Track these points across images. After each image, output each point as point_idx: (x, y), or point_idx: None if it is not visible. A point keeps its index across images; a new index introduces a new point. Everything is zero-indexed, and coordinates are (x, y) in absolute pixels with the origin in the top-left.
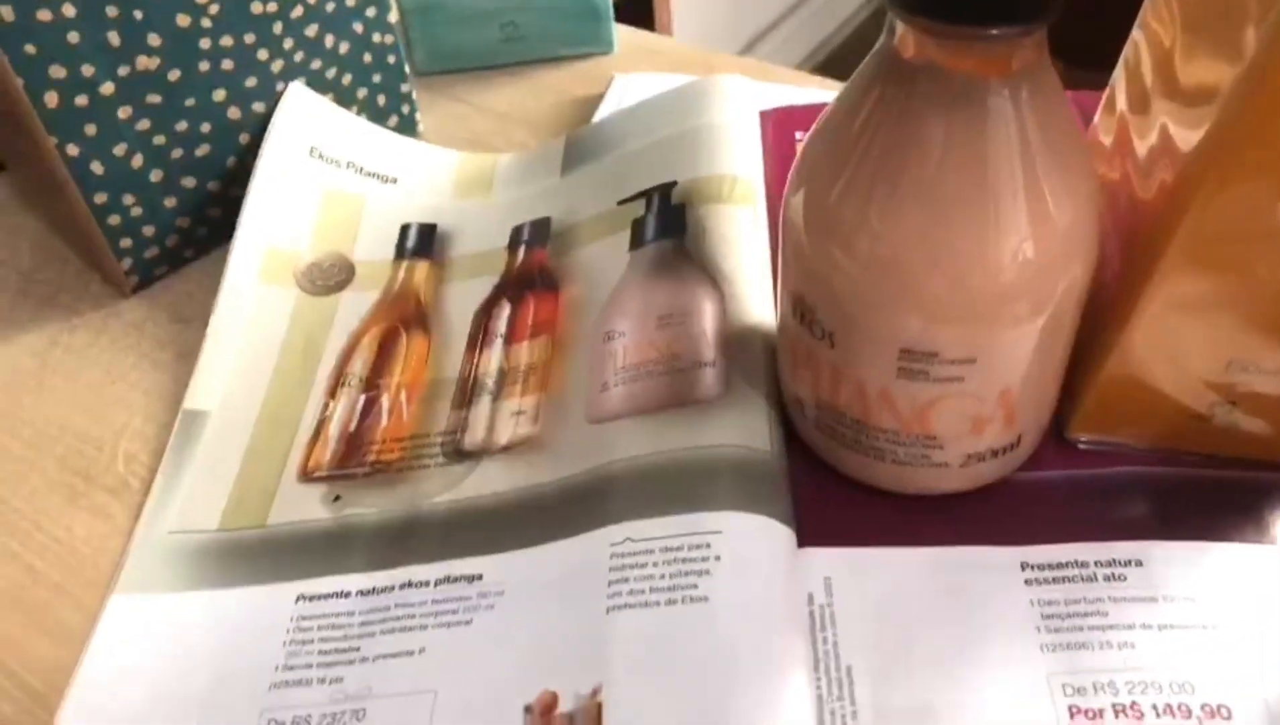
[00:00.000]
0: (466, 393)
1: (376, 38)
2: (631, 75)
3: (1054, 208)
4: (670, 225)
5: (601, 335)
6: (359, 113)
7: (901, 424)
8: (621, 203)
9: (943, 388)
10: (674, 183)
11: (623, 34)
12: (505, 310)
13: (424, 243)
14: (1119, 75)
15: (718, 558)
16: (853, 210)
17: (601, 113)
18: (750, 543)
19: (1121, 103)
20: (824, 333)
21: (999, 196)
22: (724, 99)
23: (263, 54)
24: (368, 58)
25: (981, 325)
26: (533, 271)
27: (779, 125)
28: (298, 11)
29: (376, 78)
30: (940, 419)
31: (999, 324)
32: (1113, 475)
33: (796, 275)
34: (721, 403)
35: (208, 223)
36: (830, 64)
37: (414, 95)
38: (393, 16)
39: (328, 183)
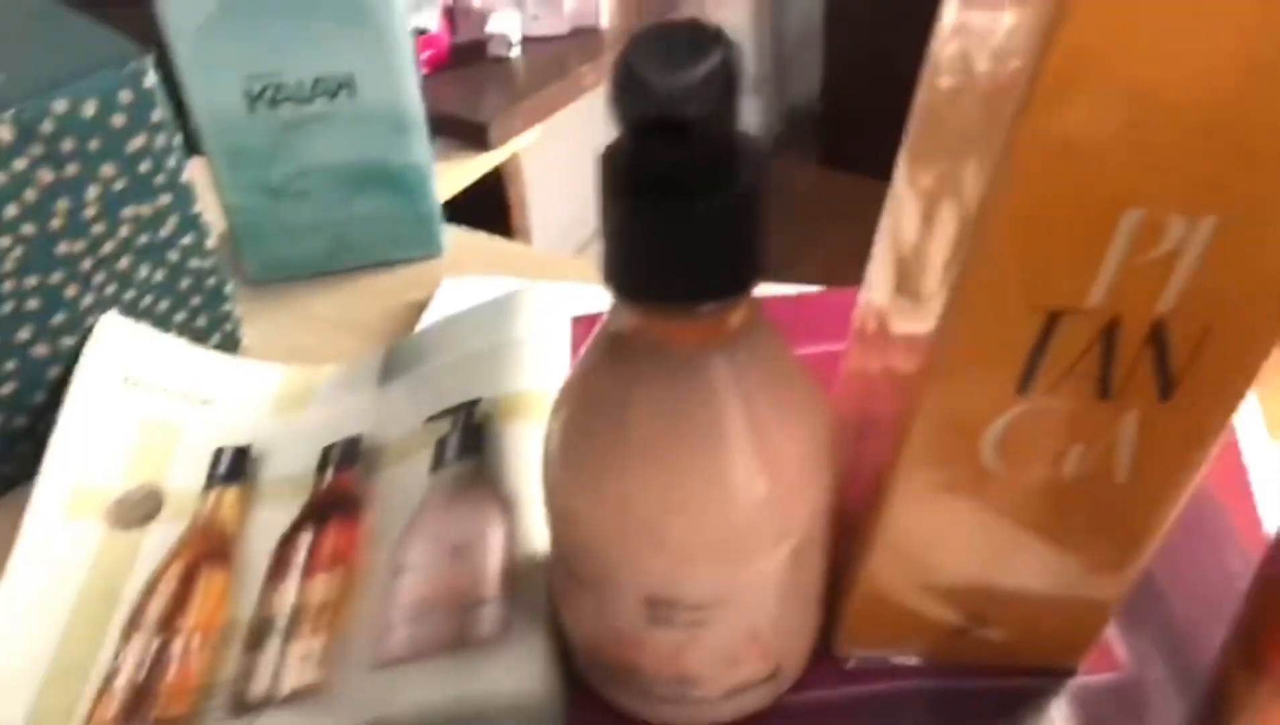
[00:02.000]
0: (258, 634)
1: (194, 263)
2: (461, 278)
3: (781, 452)
4: (470, 446)
5: (393, 568)
6: (178, 336)
7: (657, 666)
8: (429, 420)
9: (690, 632)
10: (478, 400)
11: (457, 235)
12: (306, 540)
13: (235, 468)
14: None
15: None
16: (593, 467)
17: (427, 319)
18: None
19: (876, 288)
20: (578, 579)
21: (725, 451)
22: (532, 311)
23: (71, 290)
24: (185, 283)
25: (719, 570)
26: (337, 496)
27: (590, 332)
28: (108, 248)
29: (195, 301)
30: (693, 660)
31: (736, 568)
32: (879, 692)
33: (551, 518)
34: (502, 644)
35: (15, 459)
36: None
37: (236, 313)
38: (211, 242)
39: (143, 411)
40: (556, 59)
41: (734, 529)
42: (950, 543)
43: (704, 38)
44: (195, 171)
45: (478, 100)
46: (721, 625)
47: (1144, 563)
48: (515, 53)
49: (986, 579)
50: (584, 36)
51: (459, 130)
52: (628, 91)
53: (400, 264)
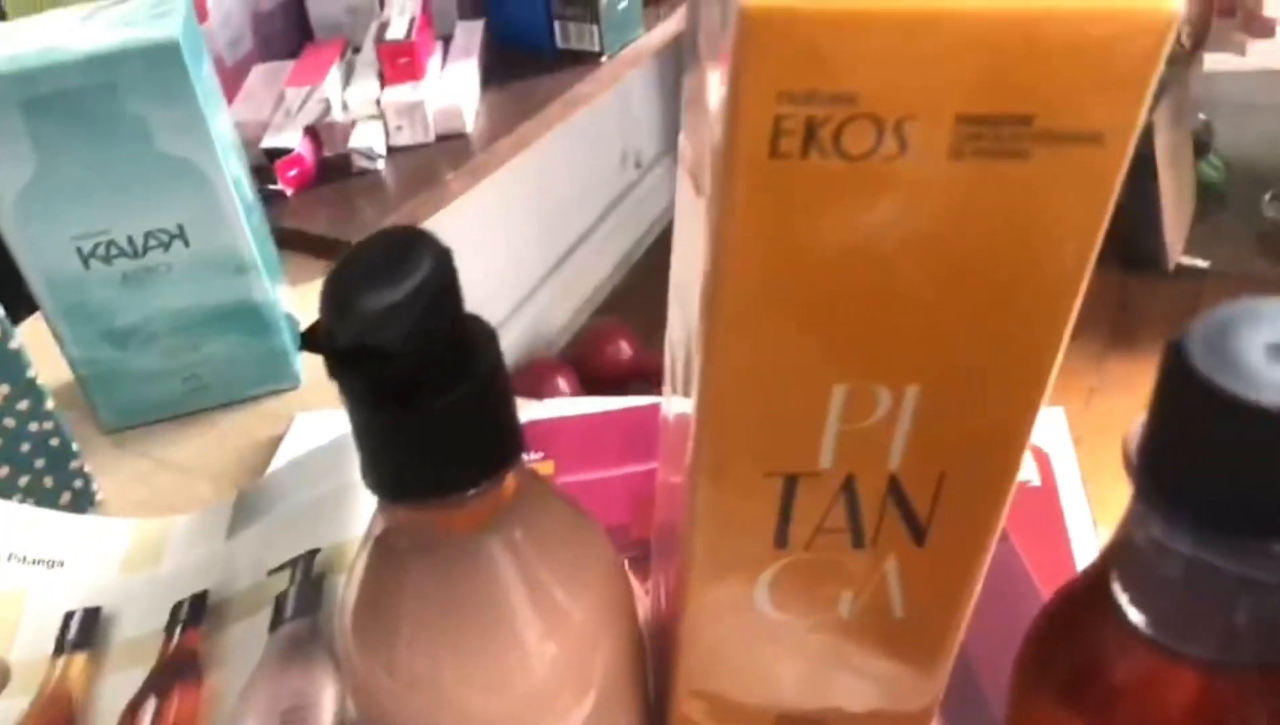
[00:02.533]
0: None
1: (34, 427)
2: (314, 413)
3: (569, 607)
4: (308, 600)
5: None
6: (23, 499)
7: None
8: (271, 573)
9: None
10: (318, 550)
11: (313, 365)
12: (151, 706)
13: (85, 632)
14: None
15: None
16: (385, 646)
17: (279, 459)
18: None
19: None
20: None
21: (507, 620)
22: None
23: None
24: (25, 447)
25: None
26: (183, 659)
27: None
28: None
29: (39, 462)
30: None
31: None
32: None
33: (353, 695)
34: None
35: None
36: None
37: (86, 468)
38: (49, 404)
39: None
40: (423, 168)
41: (531, 695)
42: (748, 681)
43: (414, 248)
44: (38, 328)
45: (347, 216)
46: None
47: (943, 681)
48: (382, 165)
49: (794, 709)
50: (451, 143)
51: (322, 249)
52: (333, 316)
53: (257, 399)
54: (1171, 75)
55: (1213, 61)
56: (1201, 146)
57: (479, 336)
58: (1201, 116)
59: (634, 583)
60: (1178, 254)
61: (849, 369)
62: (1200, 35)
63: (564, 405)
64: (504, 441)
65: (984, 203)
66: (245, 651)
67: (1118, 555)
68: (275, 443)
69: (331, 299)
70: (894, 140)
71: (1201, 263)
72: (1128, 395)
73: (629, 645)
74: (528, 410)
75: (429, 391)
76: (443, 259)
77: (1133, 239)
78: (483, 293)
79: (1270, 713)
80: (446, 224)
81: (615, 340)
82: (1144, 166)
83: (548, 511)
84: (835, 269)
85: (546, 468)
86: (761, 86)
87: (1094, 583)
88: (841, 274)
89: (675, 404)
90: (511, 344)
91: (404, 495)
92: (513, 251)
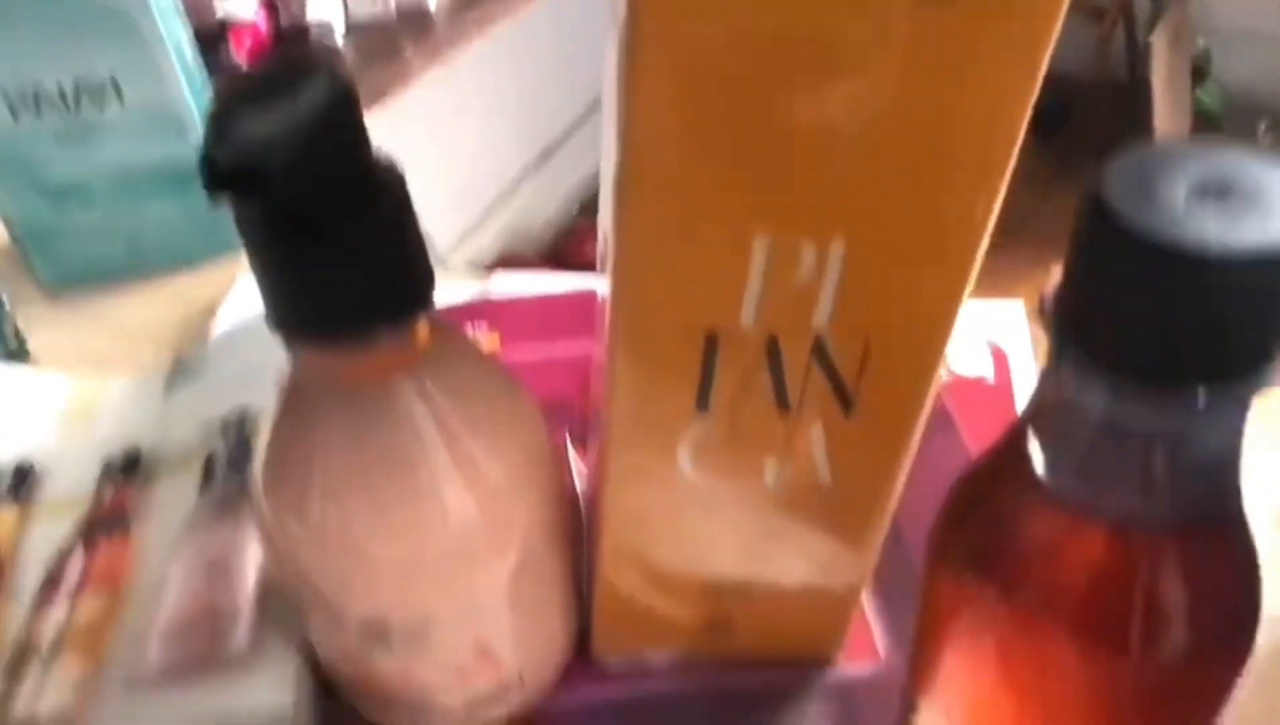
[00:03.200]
0: (21, 659)
1: None
2: None
3: (484, 465)
4: (240, 461)
5: (156, 586)
6: None
7: (390, 681)
8: (206, 433)
9: (410, 649)
10: (251, 413)
11: None
12: (78, 559)
13: (15, 485)
14: None
15: None
16: (297, 498)
17: (220, 322)
18: None
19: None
20: (299, 598)
21: (419, 473)
22: None
23: None
24: None
25: (431, 592)
26: (112, 513)
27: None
28: None
29: None
30: (422, 676)
31: (449, 588)
32: (635, 693)
33: (266, 547)
34: (253, 660)
35: None
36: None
37: (18, 324)
38: None
39: None
40: (383, 44)
41: (444, 551)
42: (674, 546)
43: (311, 76)
44: None
45: None
46: (442, 641)
47: (872, 557)
48: (340, 40)
49: (719, 578)
50: (412, 19)
51: None
52: (212, 136)
53: (202, 263)
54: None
55: None
56: (1199, 73)
57: (386, 176)
58: (1201, 42)
59: (574, 457)
60: None
61: (772, 219)
62: None
63: (514, 281)
64: (413, 282)
65: (909, 49)
66: (174, 507)
67: (1033, 415)
68: (217, 307)
69: (212, 122)
70: None
71: None
72: None
73: (552, 507)
74: (473, 286)
75: (325, 223)
76: (340, 89)
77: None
78: (463, 182)
79: (1181, 571)
80: (421, 106)
81: (595, 240)
82: (1135, 92)
83: (466, 365)
84: (754, 111)
85: (492, 340)
86: None
87: (1009, 446)
88: (759, 119)
89: (603, 283)
90: (492, 239)
91: (305, 335)
92: (495, 140)
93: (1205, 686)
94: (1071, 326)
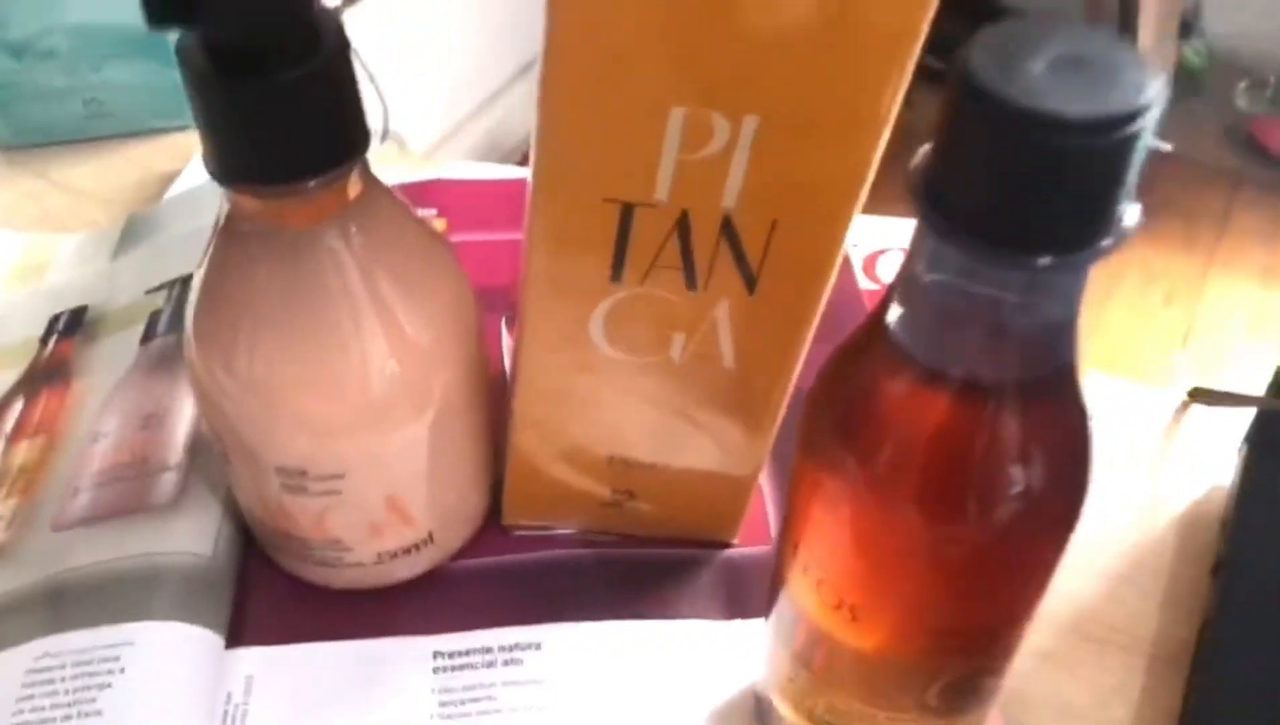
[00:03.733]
0: None
1: None
2: None
3: (407, 323)
4: (180, 320)
5: (91, 435)
6: None
7: (306, 531)
8: (150, 292)
9: (325, 500)
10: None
11: None
12: (18, 407)
13: None
14: None
15: (122, 670)
16: (224, 347)
17: (174, 190)
18: (164, 650)
19: None
20: (222, 449)
21: (343, 325)
22: None
23: None
24: None
25: (347, 442)
26: (54, 365)
27: None
28: None
29: None
30: (336, 526)
31: (365, 440)
32: (537, 559)
33: (195, 392)
34: (177, 508)
35: None
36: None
37: None
38: None
39: None
40: None
41: (365, 404)
42: (582, 418)
43: None
44: None
45: None
46: (356, 493)
47: (769, 442)
48: None
49: (624, 454)
50: None
51: None
52: None
53: (161, 132)
54: None
55: None
56: (1186, 27)
57: (327, 25)
58: None
59: (507, 341)
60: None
61: (687, 91)
62: None
63: (464, 169)
64: (345, 135)
65: None
66: (115, 362)
67: (896, 286)
68: (173, 176)
69: None
70: None
71: (1165, 146)
72: None
73: (472, 371)
74: (427, 170)
75: (265, 64)
76: None
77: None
78: (444, 87)
79: (1017, 430)
80: (412, 12)
81: None
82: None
83: (395, 223)
84: None
85: (439, 224)
86: None
87: (875, 317)
88: None
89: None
90: (470, 148)
91: (240, 177)
92: (481, 47)
93: (1041, 539)
94: (932, 194)
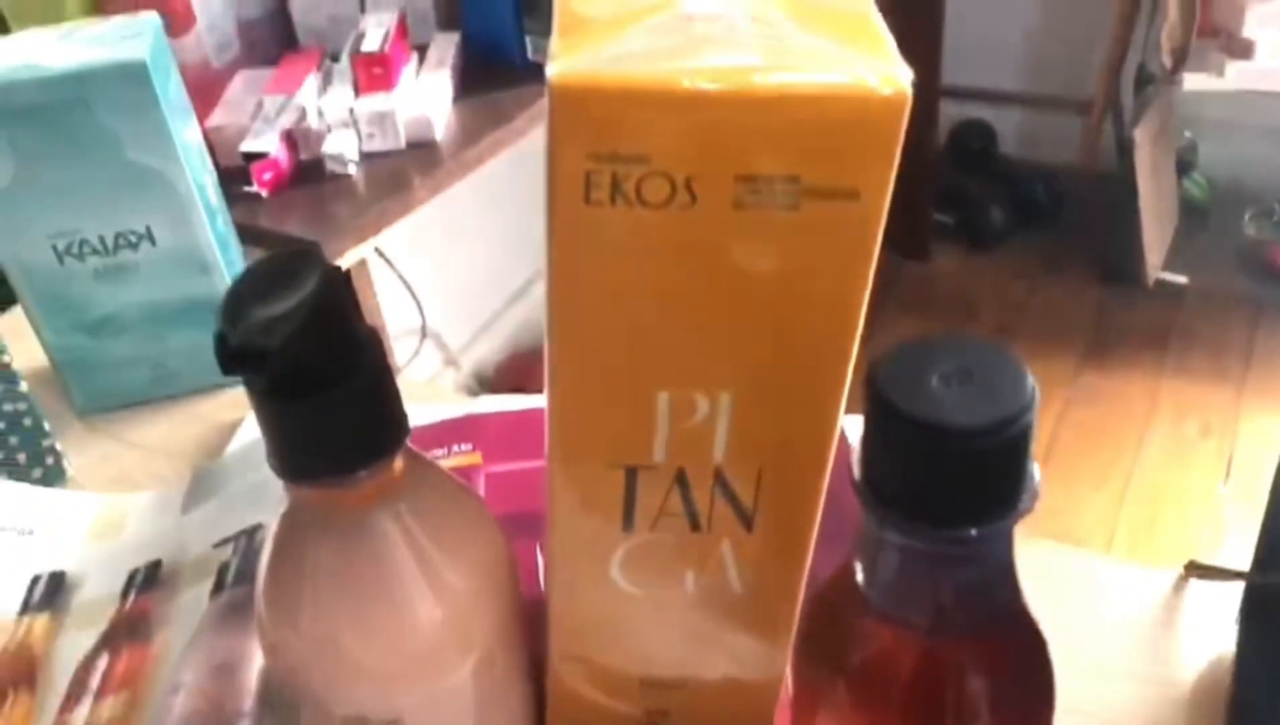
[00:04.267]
0: None
1: (8, 407)
2: None
3: (449, 576)
4: (248, 571)
5: (170, 686)
6: None
7: None
8: (217, 545)
9: None
10: (260, 526)
11: None
12: (103, 663)
13: (49, 594)
14: None
15: None
16: (291, 609)
17: (235, 442)
18: None
19: None
20: (292, 697)
21: (394, 586)
22: None
23: None
24: (1, 425)
25: (405, 688)
26: (134, 620)
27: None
28: None
29: (14, 440)
30: None
31: (420, 685)
32: None
33: (265, 652)
34: None
35: None
36: None
37: (58, 446)
38: (23, 386)
39: None
40: (394, 173)
41: (416, 653)
42: (613, 647)
43: (305, 268)
44: (17, 316)
45: (320, 218)
46: None
47: (787, 651)
48: (354, 170)
49: (655, 676)
50: (421, 150)
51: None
52: (226, 322)
53: (220, 388)
54: (1154, 94)
55: (1199, 82)
56: (1185, 165)
57: (366, 341)
58: (1187, 135)
59: (540, 560)
60: (1157, 270)
61: (669, 378)
62: (1181, 56)
63: (493, 402)
64: (388, 429)
65: (766, 245)
66: (191, 615)
67: (857, 548)
68: (233, 427)
69: (226, 308)
70: (686, 193)
71: (1180, 278)
72: (1101, 408)
73: (509, 614)
74: (460, 406)
75: (315, 386)
76: (328, 277)
77: (1112, 255)
78: (472, 290)
79: (980, 672)
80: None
81: None
82: (1125, 184)
83: (434, 491)
84: (648, 294)
85: (474, 458)
86: (573, 147)
87: (845, 570)
88: (654, 298)
89: None
90: (503, 341)
91: (300, 475)
92: (502, 252)
93: None
94: (869, 483)
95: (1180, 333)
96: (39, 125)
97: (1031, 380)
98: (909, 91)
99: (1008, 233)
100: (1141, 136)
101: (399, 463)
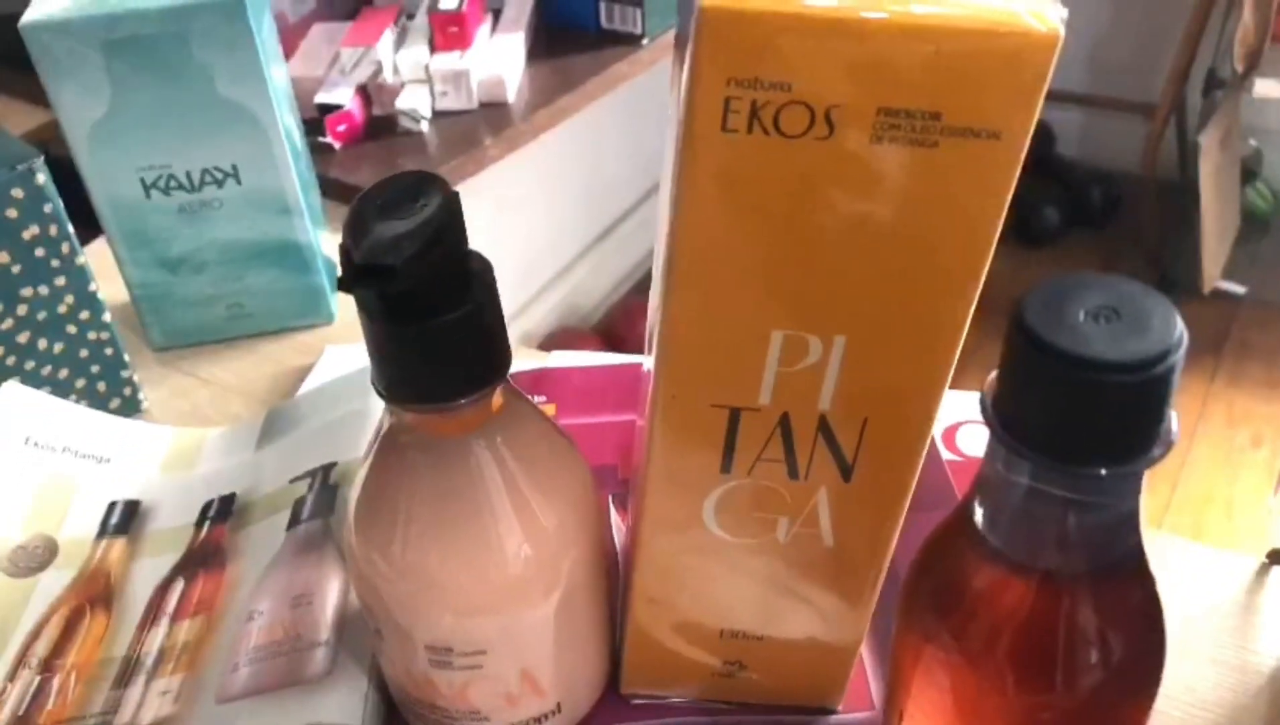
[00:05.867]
0: (127, 672)
1: (92, 336)
2: (344, 346)
3: (539, 513)
4: (323, 505)
5: (246, 614)
6: (78, 401)
7: (449, 701)
8: (293, 480)
9: (467, 674)
10: (334, 464)
11: (348, 304)
12: (178, 588)
13: (125, 520)
14: None
15: None
16: (383, 539)
17: (307, 384)
18: None
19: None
20: (376, 627)
21: (486, 518)
22: None
23: None
24: (84, 353)
25: (489, 620)
26: (209, 549)
27: None
28: (8, 324)
29: (95, 369)
30: (476, 697)
31: (501, 618)
32: None
33: (352, 579)
34: (328, 681)
35: None
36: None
37: (135, 378)
38: (107, 316)
39: (42, 468)
40: (465, 132)
41: (503, 585)
42: (696, 595)
43: (425, 189)
44: (100, 250)
45: (389, 171)
46: (495, 667)
47: (869, 613)
48: (425, 127)
49: (737, 627)
50: (493, 110)
51: None
52: (350, 238)
53: (293, 331)
54: (1221, 98)
55: (1268, 88)
56: (1250, 173)
57: (478, 268)
58: (1252, 143)
59: (615, 515)
60: (1214, 278)
61: (785, 317)
62: (1253, 59)
63: (569, 357)
64: (493, 360)
65: (900, 181)
66: (265, 546)
67: (978, 488)
68: (305, 370)
69: (351, 225)
70: (824, 124)
71: (1238, 288)
72: None
73: (593, 555)
74: (538, 360)
75: (430, 310)
76: (449, 201)
77: (1168, 261)
78: (525, 259)
79: (1095, 610)
80: (493, 189)
81: (644, 318)
82: (1184, 190)
83: (529, 427)
84: (775, 228)
85: (549, 410)
86: (715, 72)
87: (962, 513)
88: (780, 232)
89: (647, 362)
90: (548, 312)
91: (405, 399)
92: (557, 222)
93: (1124, 705)
94: (1001, 417)
95: (1235, 342)
96: (137, 58)
97: (1181, 323)
98: (1061, 31)
99: (1061, 233)
100: (1208, 142)
101: (498, 396)
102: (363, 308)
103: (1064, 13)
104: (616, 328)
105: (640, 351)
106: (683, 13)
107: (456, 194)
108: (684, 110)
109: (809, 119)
